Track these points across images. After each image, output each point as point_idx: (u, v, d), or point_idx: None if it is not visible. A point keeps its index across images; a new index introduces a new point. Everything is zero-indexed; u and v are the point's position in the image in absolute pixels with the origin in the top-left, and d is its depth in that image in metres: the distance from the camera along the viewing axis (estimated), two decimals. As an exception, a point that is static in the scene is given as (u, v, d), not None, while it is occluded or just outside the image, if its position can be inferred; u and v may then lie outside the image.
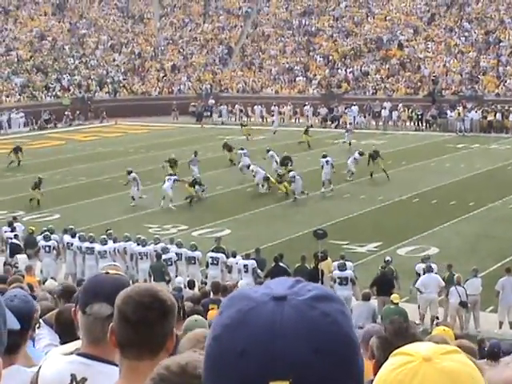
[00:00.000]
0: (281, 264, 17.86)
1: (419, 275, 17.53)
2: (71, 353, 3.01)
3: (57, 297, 6.99)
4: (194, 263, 19.70)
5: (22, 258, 19.09)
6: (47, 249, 20.56)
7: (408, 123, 49.10)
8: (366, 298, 15.70)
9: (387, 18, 61.73)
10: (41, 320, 4.97)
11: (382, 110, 49.82)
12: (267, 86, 58.46)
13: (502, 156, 37.15)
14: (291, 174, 29.10)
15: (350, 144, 39.73)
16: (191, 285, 17.17)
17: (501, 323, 16.87)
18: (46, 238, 20.65)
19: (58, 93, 57.99)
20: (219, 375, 1.26)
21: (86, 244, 20.41)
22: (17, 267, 17.65)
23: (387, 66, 56.42)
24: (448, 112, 47.61)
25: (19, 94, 56.66)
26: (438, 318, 17.07)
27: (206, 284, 17.59)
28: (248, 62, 61.94)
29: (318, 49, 60.71)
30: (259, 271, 18.34)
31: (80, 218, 25.73)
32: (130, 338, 2.50)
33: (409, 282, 17.74)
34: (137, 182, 28.42)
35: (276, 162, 32.60)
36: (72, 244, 20.71)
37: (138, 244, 20.14)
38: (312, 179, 30.29)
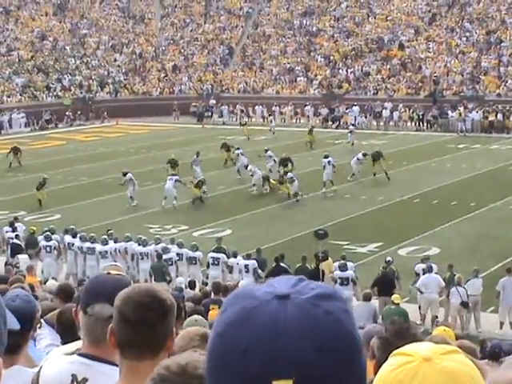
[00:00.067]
0: (282, 264, 17.86)
1: (418, 275, 17.54)
2: (72, 353, 3.02)
3: (54, 296, 7.00)
4: (195, 263, 19.70)
5: (23, 258, 19.10)
6: (48, 249, 20.57)
7: (409, 123, 49.09)
8: (367, 298, 15.70)
9: (388, 18, 61.73)
10: (42, 320, 4.98)
11: (383, 111, 49.82)
12: (268, 87, 58.46)
13: (503, 156, 37.13)
14: (289, 175, 29.08)
15: (352, 144, 39.76)
16: (192, 285, 17.17)
17: (501, 323, 16.87)
18: (47, 238, 20.66)
19: (59, 93, 58.00)
20: (222, 373, 1.26)
21: (87, 244, 20.42)
22: (18, 267, 17.67)
23: (388, 67, 56.41)
24: (449, 112, 47.59)
25: (20, 95, 56.67)
26: (437, 317, 17.07)
27: (206, 284, 17.59)
28: (249, 62, 61.94)
29: (318, 49, 60.71)
30: (260, 271, 18.35)
31: (81, 218, 25.74)
32: (130, 338, 2.50)
33: (410, 282, 17.75)
34: (133, 183, 28.41)
35: (274, 161, 32.56)
36: (73, 244, 20.72)
37: (139, 244, 20.14)
38: (313, 179, 30.31)
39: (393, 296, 15.66)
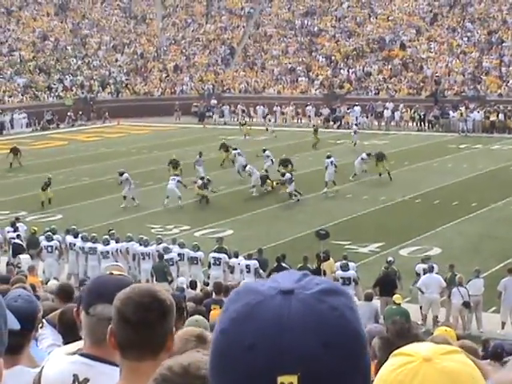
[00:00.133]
0: (283, 264, 17.86)
1: (419, 275, 17.53)
2: (74, 353, 3.02)
3: (54, 296, 7.00)
4: (197, 263, 19.70)
5: (24, 259, 19.13)
6: (49, 249, 20.57)
7: (410, 123, 49.07)
8: (369, 298, 15.70)
9: (390, 19, 61.71)
10: (44, 320, 4.98)
11: (385, 111, 49.81)
12: (269, 87, 58.46)
13: (504, 156, 37.11)
14: (287, 175, 28.98)
15: (355, 144, 39.81)
16: (193, 285, 17.18)
17: (503, 324, 16.85)
18: (48, 239, 20.66)
19: (61, 93, 58.03)
20: (226, 369, 1.25)
21: (89, 244, 20.43)
22: (19, 267, 17.68)
23: (389, 67, 56.39)
24: (450, 112, 47.56)
25: (22, 95, 56.70)
26: (437, 317, 17.06)
27: (208, 284, 17.59)
28: (250, 63, 61.94)
29: (320, 49, 60.70)
30: (261, 271, 18.35)
31: (83, 219, 25.75)
32: (130, 338, 2.50)
33: (411, 282, 17.74)
34: (129, 183, 28.41)
35: (272, 161, 32.53)
36: (74, 244, 20.73)
37: (141, 244, 20.15)
38: (314, 179, 30.31)
39: (394, 296, 15.66)
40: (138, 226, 24.65)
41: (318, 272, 17.63)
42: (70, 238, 20.98)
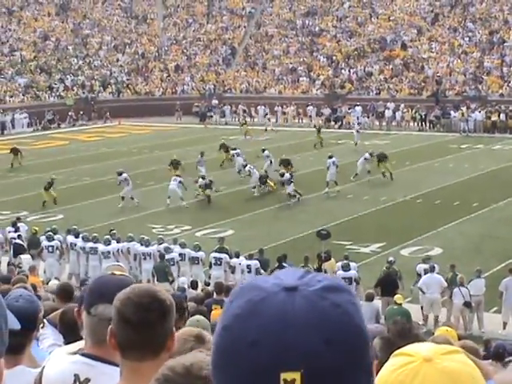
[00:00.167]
0: (284, 264, 17.86)
1: (420, 276, 17.53)
2: (75, 353, 3.02)
3: (55, 295, 7.00)
4: (198, 263, 19.70)
5: (25, 259, 19.12)
6: (50, 249, 20.58)
7: (411, 124, 49.05)
8: (370, 298, 15.69)
9: (391, 19, 61.70)
10: (45, 320, 4.98)
11: (386, 111, 49.80)
12: (270, 87, 58.46)
13: (505, 156, 37.09)
14: (286, 176, 28.83)
15: (356, 144, 39.83)
16: (194, 285, 17.19)
17: (504, 324, 16.85)
18: (49, 239, 20.67)
19: (62, 93, 58.05)
20: (229, 366, 1.25)
21: (90, 244, 20.43)
22: (20, 267, 17.67)
23: (391, 67, 56.38)
24: (452, 112, 47.55)
25: (23, 95, 56.73)
26: (438, 317, 17.05)
27: (209, 284, 17.59)
28: (251, 63, 61.94)
29: (321, 49, 60.70)
30: (262, 272, 18.34)
31: (83, 218, 25.77)
32: (130, 339, 2.50)
33: (412, 282, 17.73)
34: (127, 183, 28.42)
35: (271, 161, 32.51)
36: (75, 244, 20.73)
37: (142, 244, 20.15)
38: (316, 179, 30.30)
39: (395, 296, 15.66)
40: (139, 225, 24.66)
41: (319, 272, 17.63)
42: (70, 238, 20.99)
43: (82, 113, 55.05)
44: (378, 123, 49.67)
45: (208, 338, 2.95)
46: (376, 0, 63.86)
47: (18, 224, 22.28)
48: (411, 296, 17.63)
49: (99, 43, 65.95)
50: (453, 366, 1.28)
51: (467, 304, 16.59)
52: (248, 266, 18.52)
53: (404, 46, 57.63)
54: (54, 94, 57.72)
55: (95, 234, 20.98)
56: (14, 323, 1.72)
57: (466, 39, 56.85)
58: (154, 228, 24.75)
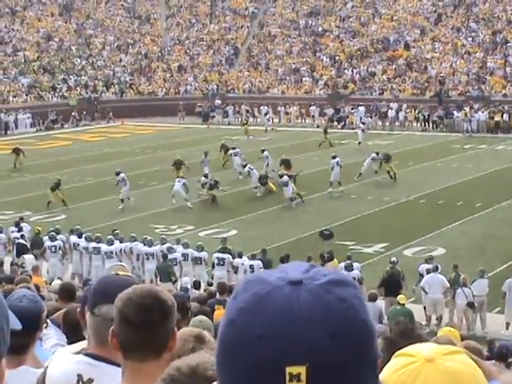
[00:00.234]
0: (287, 265, 17.84)
1: (422, 276, 17.51)
2: (78, 353, 3.02)
3: (57, 295, 7.01)
4: (201, 264, 19.70)
5: (28, 259, 19.13)
6: (53, 249, 20.59)
7: (414, 124, 49.03)
8: (373, 298, 15.68)
9: (394, 19, 61.66)
10: (48, 320, 4.99)
11: (389, 111, 49.77)
12: (273, 87, 58.45)
13: (509, 157, 37.05)
14: (284, 178, 28.57)
15: (359, 143, 39.84)
16: (197, 285, 17.19)
17: (507, 324, 16.83)
18: (52, 239, 20.68)
19: (65, 93, 58.09)
20: (234, 360, 1.24)
21: (93, 244, 20.44)
22: (23, 267, 17.70)
23: (394, 67, 56.35)
24: (455, 112, 47.51)
25: (26, 95, 56.77)
26: (441, 317, 17.04)
27: (211, 285, 17.60)
28: (254, 63, 61.94)
29: (324, 49, 60.68)
30: (265, 272, 18.32)
31: (87, 219, 25.78)
32: (132, 339, 2.50)
33: (415, 282, 17.73)
34: (125, 182, 28.41)
35: (268, 163, 32.44)
36: (78, 244, 20.74)
37: (145, 244, 20.16)
38: (319, 179, 30.29)
39: (398, 296, 15.65)
40: (141, 226, 24.67)
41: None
42: (73, 238, 21.00)
43: (85, 113, 55.10)
44: (381, 123, 49.65)
45: (208, 338, 2.95)
46: (379, 0, 63.82)
47: (21, 224, 22.29)
48: (414, 296, 17.62)
49: (102, 43, 65.99)
50: (455, 366, 1.28)
51: (470, 304, 16.57)
52: (251, 266, 18.52)
53: (407, 46, 57.60)
54: (57, 94, 57.77)
55: (98, 234, 20.98)
56: (15, 323, 1.72)
57: (469, 39, 56.80)
58: (156, 228, 24.75)
